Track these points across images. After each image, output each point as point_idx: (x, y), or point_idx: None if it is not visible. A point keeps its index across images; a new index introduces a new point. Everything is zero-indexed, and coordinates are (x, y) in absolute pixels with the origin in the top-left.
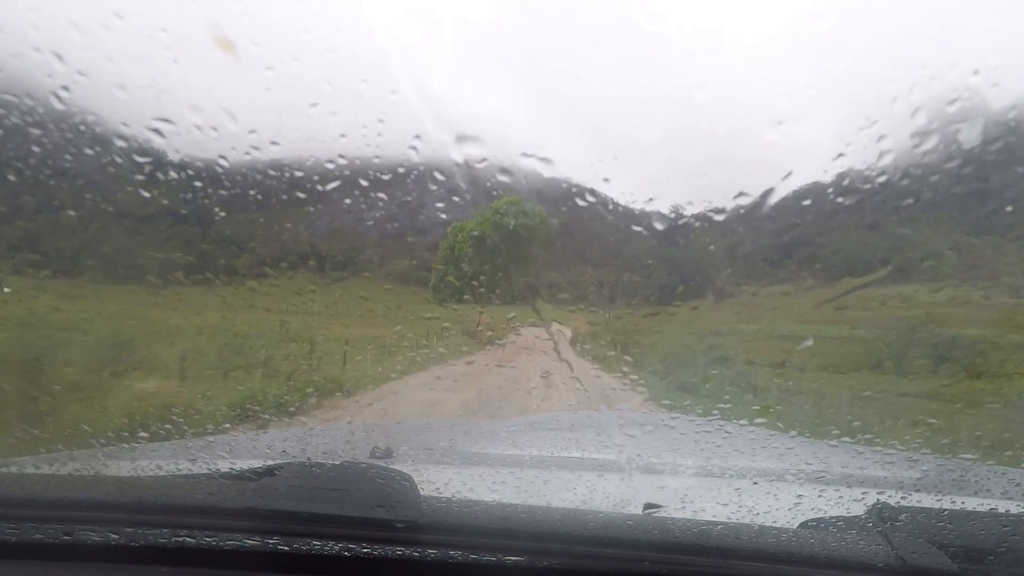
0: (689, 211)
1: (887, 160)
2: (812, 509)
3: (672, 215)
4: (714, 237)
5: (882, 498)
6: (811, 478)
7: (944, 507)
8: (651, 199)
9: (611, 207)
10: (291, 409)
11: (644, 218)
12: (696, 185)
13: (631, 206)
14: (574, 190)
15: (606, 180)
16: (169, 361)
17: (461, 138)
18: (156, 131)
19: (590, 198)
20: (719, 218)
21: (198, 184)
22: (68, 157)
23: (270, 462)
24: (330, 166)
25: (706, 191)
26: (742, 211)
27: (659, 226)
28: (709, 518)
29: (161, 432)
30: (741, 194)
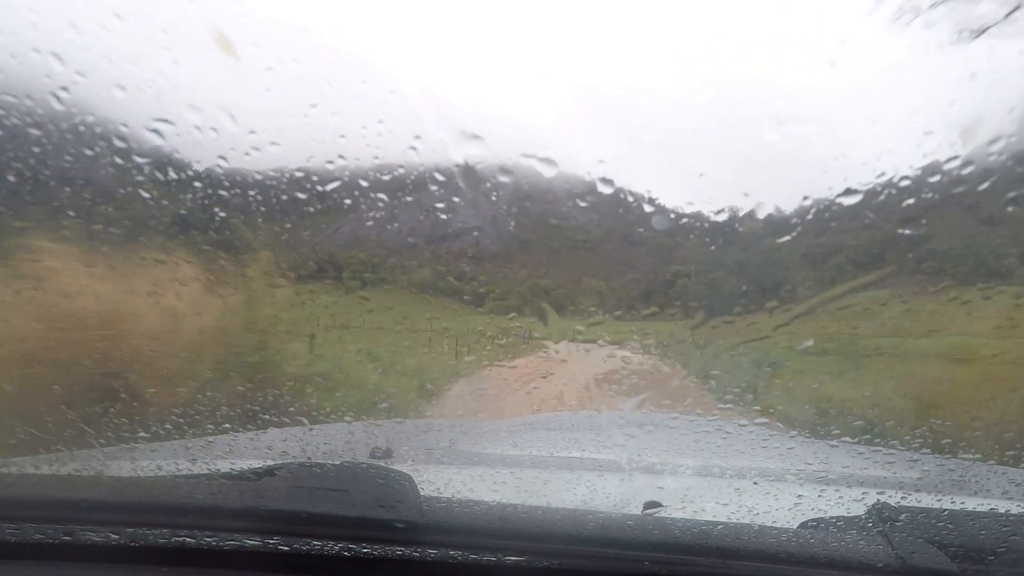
0: (689, 211)
1: (888, 160)
2: (812, 509)
3: (672, 215)
4: (714, 238)
5: (882, 498)
6: (811, 478)
7: (944, 507)
8: (651, 199)
9: (611, 208)
10: (291, 409)
11: (644, 218)
12: (696, 185)
13: (632, 206)
14: (575, 191)
15: (607, 181)
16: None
17: (461, 138)
18: (156, 131)
19: (591, 198)
20: (719, 218)
21: (197, 184)
22: (68, 158)
23: (270, 462)
24: (330, 167)
25: (706, 191)
26: (743, 212)
27: (659, 227)
28: (709, 518)
29: (161, 432)
30: (742, 194)
